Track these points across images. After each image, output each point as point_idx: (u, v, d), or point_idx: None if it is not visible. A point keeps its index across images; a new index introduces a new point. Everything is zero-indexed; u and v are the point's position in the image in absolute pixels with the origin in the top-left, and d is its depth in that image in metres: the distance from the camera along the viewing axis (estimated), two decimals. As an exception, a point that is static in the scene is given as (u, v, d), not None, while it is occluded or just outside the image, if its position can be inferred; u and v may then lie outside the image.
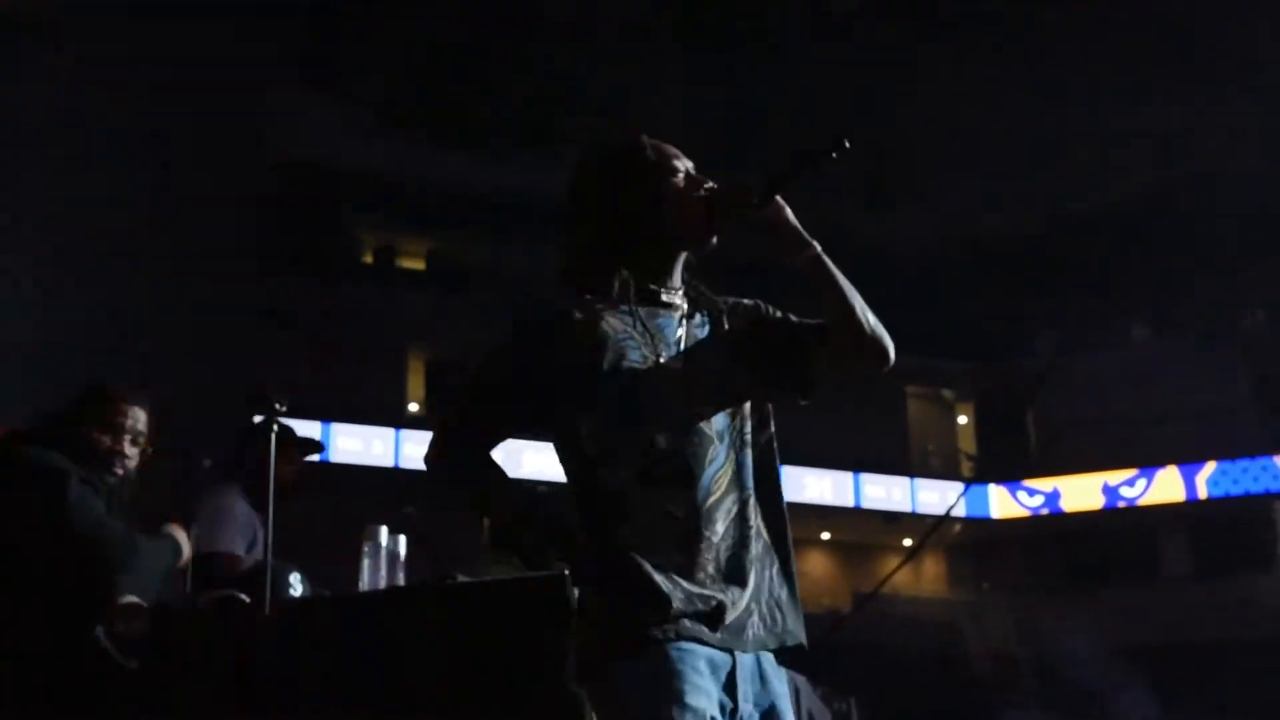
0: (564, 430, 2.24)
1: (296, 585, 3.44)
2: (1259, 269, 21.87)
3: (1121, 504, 24.21)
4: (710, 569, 2.14)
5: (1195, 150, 20.39)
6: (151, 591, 3.30)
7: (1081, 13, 18.52)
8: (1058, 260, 23.11)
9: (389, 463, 19.71)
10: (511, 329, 2.28)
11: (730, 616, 2.13)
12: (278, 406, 3.29)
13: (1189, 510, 23.93)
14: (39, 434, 3.42)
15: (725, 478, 2.20)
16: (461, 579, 3.17)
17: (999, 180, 21.88)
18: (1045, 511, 24.69)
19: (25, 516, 3.15)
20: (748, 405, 2.29)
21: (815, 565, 24.06)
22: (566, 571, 2.76)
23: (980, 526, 24.98)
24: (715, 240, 2.32)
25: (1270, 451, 23.34)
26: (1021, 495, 24.87)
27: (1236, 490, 23.60)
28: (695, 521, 2.15)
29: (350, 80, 20.37)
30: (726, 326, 2.33)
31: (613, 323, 2.23)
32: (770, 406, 2.34)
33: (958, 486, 24.44)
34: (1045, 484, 24.69)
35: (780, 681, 2.22)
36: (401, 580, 3.48)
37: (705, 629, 2.10)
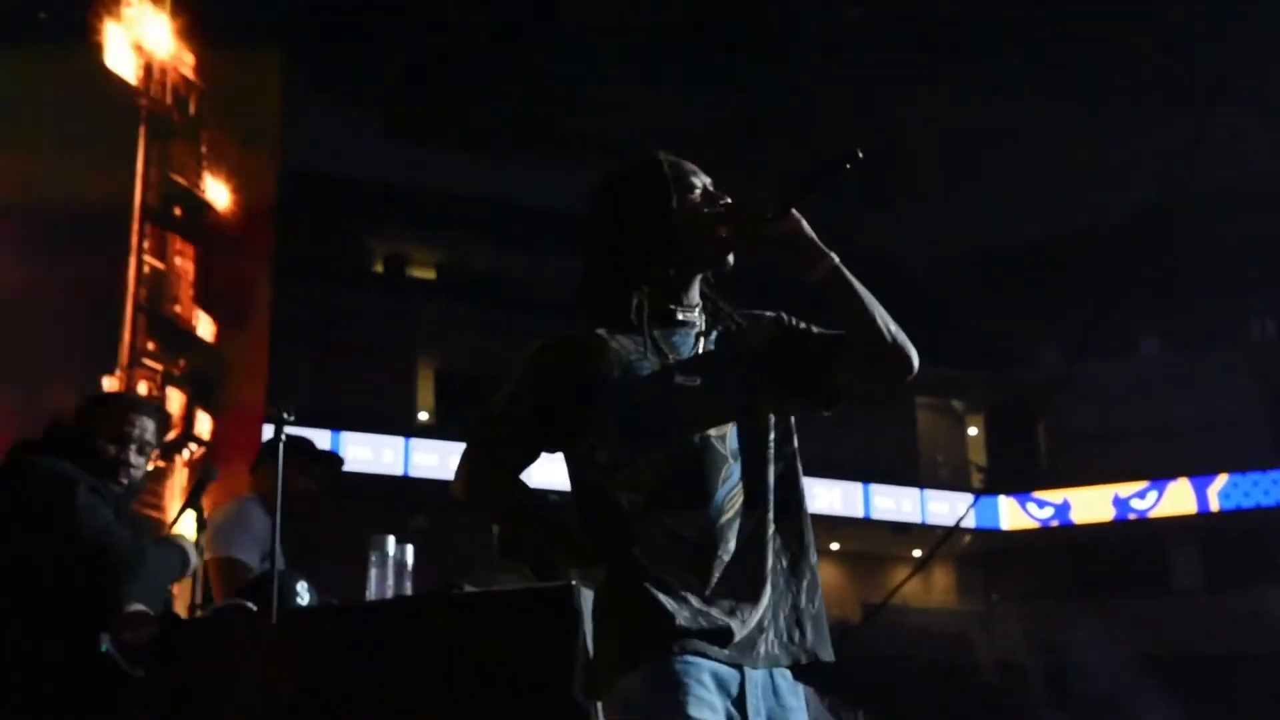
0: (575, 451, 2.25)
1: (304, 594, 3.44)
2: (1269, 280, 21.83)
3: (1132, 516, 24.15)
4: (722, 588, 2.13)
5: (1206, 160, 20.35)
6: (159, 600, 3.30)
7: (1090, 21, 18.51)
8: (1068, 271, 23.09)
9: (399, 471, 19.74)
10: (530, 354, 2.28)
11: (740, 634, 2.12)
12: (286, 416, 3.29)
13: (1200, 523, 23.86)
14: (48, 443, 3.43)
15: (740, 495, 2.19)
16: (469, 589, 3.17)
17: (1008, 190, 21.87)
18: (1055, 523, 24.65)
19: (34, 524, 3.15)
20: (772, 419, 2.28)
21: (824, 576, 23.52)
22: (574, 582, 2.77)
23: (990, 538, 24.94)
24: (732, 258, 2.32)
25: (1282, 464, 23.29)
26: (1031, 507, 24.82)
27: (1248, 503, 23.54)
28: (707, 541, 2.14)
29: (359, 88, 20.42)
30: (745, 341, 2.32)
31: (625, 343, 2.23)
32: (793, 420, 2.33)
33: (967, 498, 24.40)
34: (1055, 495, 24.64)
35: (796, 698, 2.21)
36: (409, 590, 3.48)
37: (712, 645, 2.10)
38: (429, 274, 24.87)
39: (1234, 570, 22.99)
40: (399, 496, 15.76)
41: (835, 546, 24.62)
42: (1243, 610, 21.33)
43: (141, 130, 9.91)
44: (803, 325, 2.35)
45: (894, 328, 2.24)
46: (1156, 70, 18.61)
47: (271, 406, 3.31)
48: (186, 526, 3.65)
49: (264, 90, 11.15)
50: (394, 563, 3.49)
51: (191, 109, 10.23)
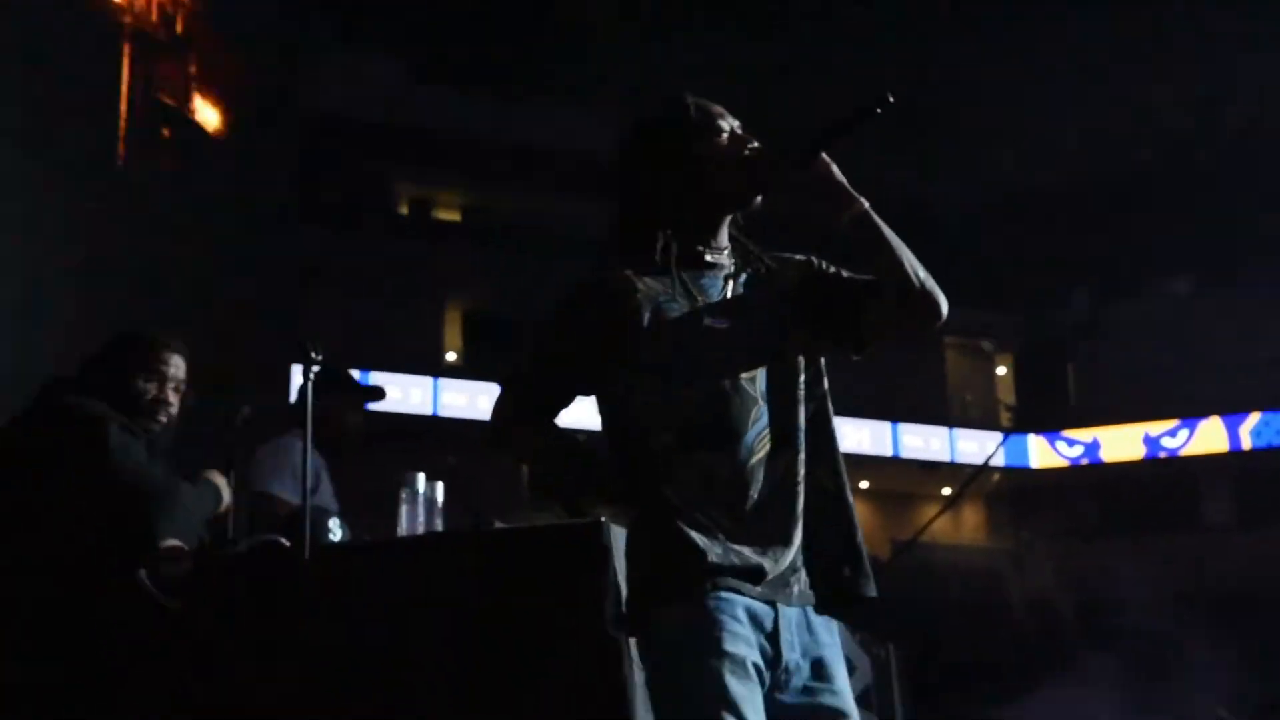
0: (607, 392, 2.27)
1: (336, 530, 3.47)
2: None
3: (1163, 454, 24.06)
4: (754, 527, 2.15)
5: (1240, 98, 20.08)
6: (193, 536, 3.33)
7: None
8: (1100, 208, 22.89)
9: (427, 411, 19.88)
10: (563, 295, 2.29)
11: (773, 572, 2.14)
12: (314, 356, 3.30)
13: (1232, 460, 23.75)
14: (80, 382, 3.45)
15: (771, 436, 2.20)
16: (499, 525, 3.18)
17: (1040, 129, 21.65)
18: (1085, 461, 24.58)
19: (67, 464, 3.18)
20: (802, 360, 2.28)
21: (853, 514, 24.04)
22: (603, 519, 2.79)
23: (1019, 476, 24.91)
24: (760, 200, 2.31)
25: (1315, 400, 23.12)
26: (1061, 445, 24.76)
27: (1280, 441, 23.43)
28: (738, 481, 2.15)
29: (386, 32, 20.33)
30: (775, 283, 2.32)
31: (654, 285, 2.23)
32: (823, 360, 2.33)
33: (996, 436, 24.37)
34: (1085, 434, 24.56)
35: (830, 634, 2.23)
36: (439, 527, 3.50)
37: (745, 582, 2.11)
38: (455, 216, 24.86)
39: (1266, 508, 22.90)
40: (428, 436, 15.87)
41: (865, 485, 24.64)
42: (1274, 548, 21.27)
43: (125, 49, 9.50)
44: (833, 269, 2.35)
45: (923, 273, 2.23)
46: (1193, 11, 18.31)
47: (301, 347, 3.32)
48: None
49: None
50: (424, 499, 3.52)
51: (179, 27, 9.81)
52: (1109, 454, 24.40)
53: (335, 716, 2.94)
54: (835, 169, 2.23)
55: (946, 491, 24.27)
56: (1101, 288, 25.17)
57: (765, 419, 2.20)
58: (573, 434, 2.32)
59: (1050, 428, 24.75)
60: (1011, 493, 25.59)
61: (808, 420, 2.26)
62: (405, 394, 19.62)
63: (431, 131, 22.18)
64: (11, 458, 3.28)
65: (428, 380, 20.35)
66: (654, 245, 2.25)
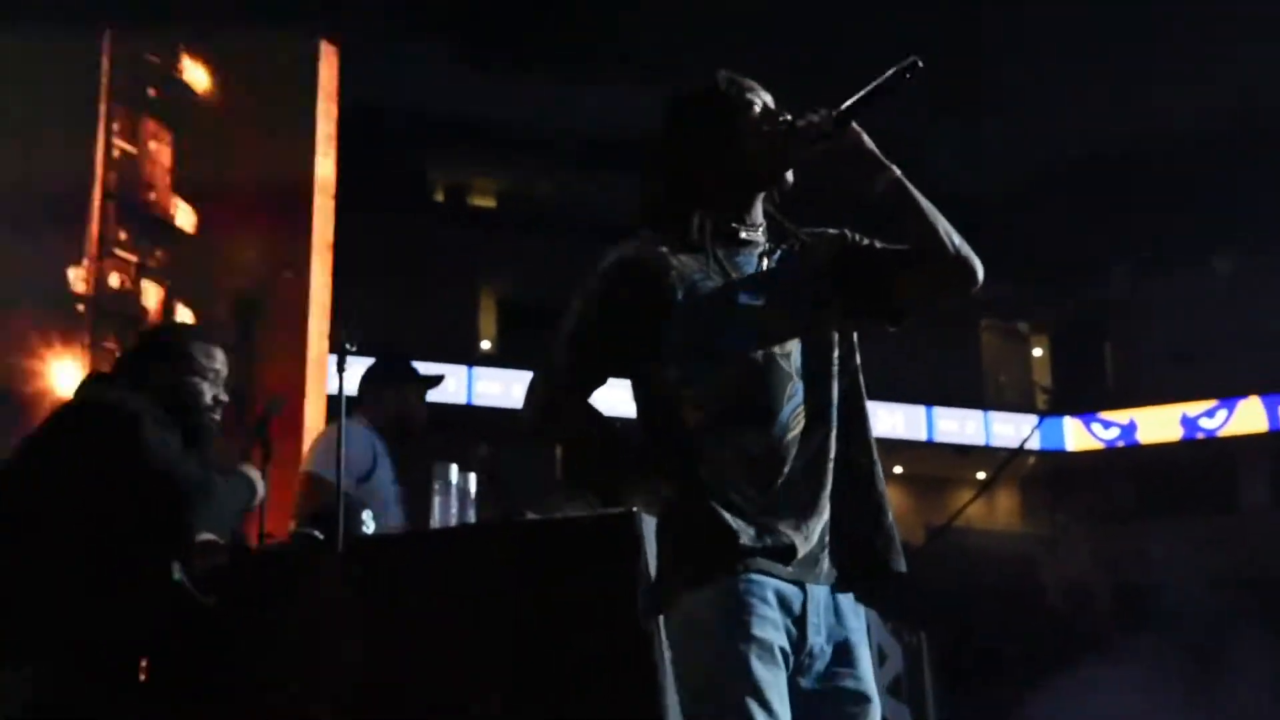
0: (640, 370, 2.26)
1: (369, 522, 3.49)
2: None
3: (1200, 435, 23.84)
4: (786, 505, 2.15)
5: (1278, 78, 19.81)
6: (228, 530, 3.36)
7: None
8: (1138, 185, 22.64)
9: (461, 400, 19.90)
10: (596, 273, 2.29)
11: (803, 550, 2.14)
12: (349, 348, 3.33)
13: (1271, 441, 23.52)
14: (120, 376, 3.48)
15: (805, 413, 2.20)
16: (531, 516, 3.19)
17: (1076, 104, 21.44)
18: (1121, 444, 24.39)
19: (103, 458, 3.20)
20: (835, 335, 2.28)
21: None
22: (635, 509, 2.79)
23: (1055, 459, 24.76)
24: (792, 175, 2.31)
25: (1356, 379, 22.85)
26: (1096, 428, 24.56)
27: (1321, 421, 23.19)
28: (772, 458, 2.16)
29: (422, 16, 20.32)
30: (810, 259, 2.32)
31: (688, 262, 2.23)
32: (855, 336, 2.33)
33: (1032, 419, 24.21)
34: (1121, 416, 24.37)
35: (858, 618, 2.24)
36: (472, 518, 3.51)
37: (776, 563, 2.11)
38: (490, 203, 24.87)
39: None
40: (462, 425, 15.92)
41: (898, 470, 24.56)
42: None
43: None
44: (866, 241, 2.35)
45: (957, 239, 2.24)
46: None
47: (336, 334, 3.34)
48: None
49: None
50: (457, 490, 3.53)
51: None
52: (1146, 435, 24.20)
53: (366, 709, 2.97)
54: (866, 138, 2.24)
55: (981, 476, 24.16)
56: (1140, 266, 24.94)
57: (800, 395, 2.21)
58: (608, 419, 2.32)
59: (1086, 409, 24.57)
60: (1047, 476, 25.45)
61: (840, 396, 2.26)
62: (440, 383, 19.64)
63: (466, 116, 22.19)
64: (50, 452, 3.32)
65: (462, 369, 20.38)
66: (689, 221, 2.26)
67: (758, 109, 2.30)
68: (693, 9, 18.62)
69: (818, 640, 2.15)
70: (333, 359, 3.38)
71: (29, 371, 7.54)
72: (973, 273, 2.25)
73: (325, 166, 9.39)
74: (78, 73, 8.36)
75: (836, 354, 2.27)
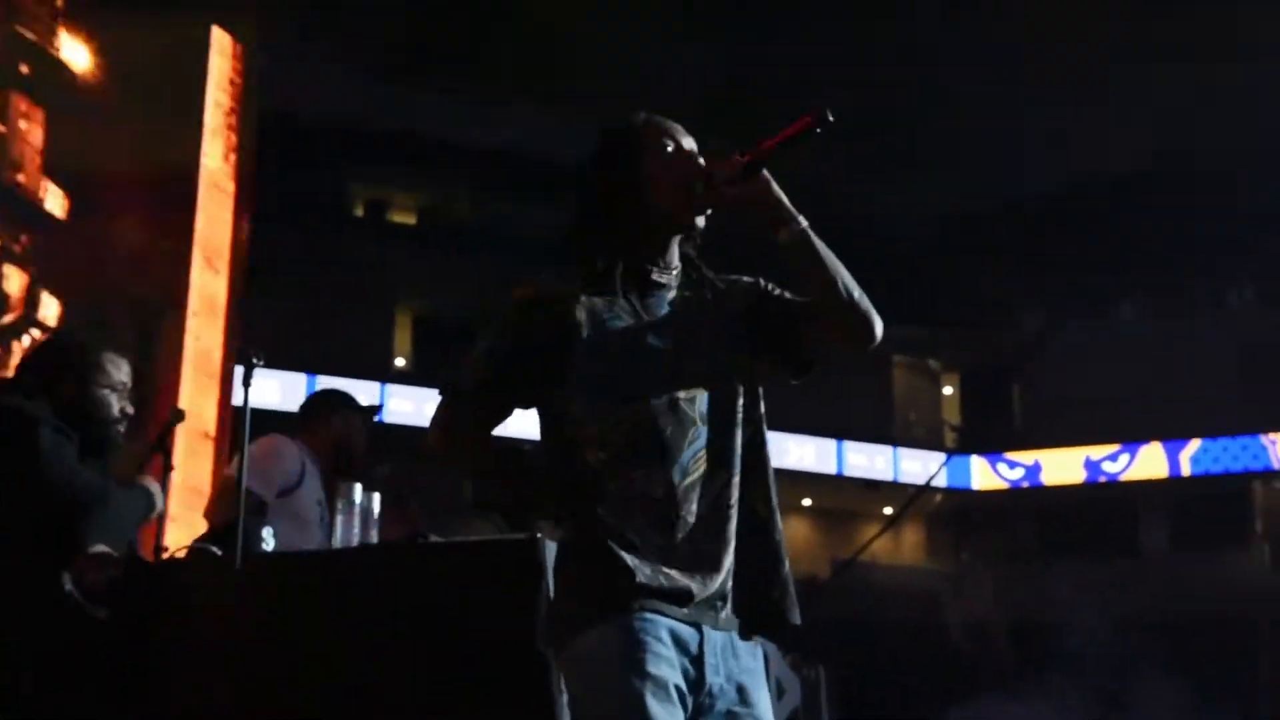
0: (547, 407, 2.26)
1: (269, 539, 3.44)
2: (1246, 247, 21.88)
3: (1103, 479, 24.30)
4: (684, 549, 2.14)
5: (1186, 128, 20.36)
6: (123, 542, 3.29)
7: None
8: (1050, 233, 23.10)
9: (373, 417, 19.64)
10: (506, 307, 2.28)
11: (700, 595, 2.14)
12: (255, 361, 3.28)
13: (1171, 486, 24.03)
14: (20, 385, 3.40)
15: (706, 458, 2.20)
16: (434, 539, 3.17)
17: (990, 152, 21.84)
18: (1025, 484, 24.79)
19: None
20: (742, 383, 2.29)
21: (795, 532, 24.13)
22: (539, 534, 2.78)
23: (961, 497, 25.10)
24: (702, 219, 2.32)
25: (1255, 430, 23.43)
26: (1002, 467, 24.96)
27: (1217, 469, 23.72)
28: (671, 501, 2.15)
29: (344, 29, 20.20)
30: (723, 305, 2.32)
31: (598, 301, 2.23)
32: (761, 386, 2.34)
33: (940, 456, 24.52)
34: (1027, 457, 24.77)
35: (754, 659, 2.24)
36: (375, 538, 3.48)
37: (671, 605, 2.11)
38: (410, 219, 24.74)
39: (1203, 534, 23.20)
40: (374, 442, 15.73)
41: (807, 502, 24.74)
42: (1210, 574, 21.54)
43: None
44: (778, 291, 2.35)
45: (857, 293, 2.24)
46: (1145, 38, 18.56)
47: (243, 349, 3.30)
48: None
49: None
50: (360, 510, 3.50)
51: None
52: (1050, 477, 24.63)
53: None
54: (775, 186, 2.24)
55: (889, 511, 24.40)
56: (1050, 311, 25.43)
57: (703, 440, 2.20)
58: (515, 445, 2.31)
59: (993, 449, 24.95)
60: (953, 514, 25.78)
61: (744, 444, 2.26)
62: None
63: (389, 131, 22.06)
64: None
65: (375, 385, 20.18)
66: (600, 260, 2.26)
67: (670, 152, 2.31)
68: (619, 38, 18.70)
69: (717, 680, 2.15)
70: (239, 371, 3.34)
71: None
72: (870, 328, 2.26)
73: (214, 159, 8.89)
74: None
75: (741, 402, 2.27)
